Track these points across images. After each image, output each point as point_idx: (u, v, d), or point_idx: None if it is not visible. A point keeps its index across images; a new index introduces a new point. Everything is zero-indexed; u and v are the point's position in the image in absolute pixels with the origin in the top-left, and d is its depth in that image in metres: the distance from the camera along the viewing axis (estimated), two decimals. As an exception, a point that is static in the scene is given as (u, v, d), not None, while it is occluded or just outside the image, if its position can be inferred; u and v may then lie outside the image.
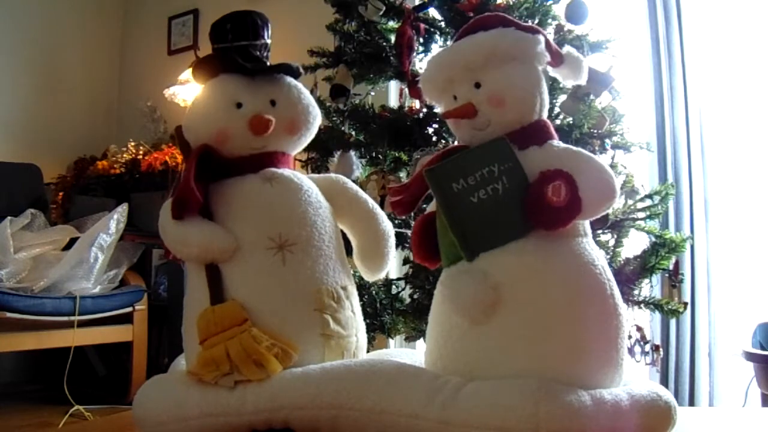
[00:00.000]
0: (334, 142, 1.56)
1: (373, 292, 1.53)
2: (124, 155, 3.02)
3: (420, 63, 1.66)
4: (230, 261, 0.87)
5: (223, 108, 0.93)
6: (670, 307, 1.42)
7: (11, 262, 2.28)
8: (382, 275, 1.02)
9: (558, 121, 1.48)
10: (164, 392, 0.84)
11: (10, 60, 3.21)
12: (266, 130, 0.91)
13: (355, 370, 0.82)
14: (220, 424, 0.80)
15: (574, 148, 0.83)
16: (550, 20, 1.54)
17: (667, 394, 0.80)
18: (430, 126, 1.58)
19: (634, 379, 0.81)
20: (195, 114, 0.95)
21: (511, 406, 0.69)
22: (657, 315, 1.71)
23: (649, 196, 1.51)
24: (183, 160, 0.95)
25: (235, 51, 0.95)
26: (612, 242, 1.48)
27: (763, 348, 1.77)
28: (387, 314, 1.51)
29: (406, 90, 1.66)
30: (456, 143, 0.94)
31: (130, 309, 2.52)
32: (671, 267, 1.47)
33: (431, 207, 0.88)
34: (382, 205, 1.16)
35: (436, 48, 1.66)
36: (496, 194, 0.79)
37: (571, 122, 1.44)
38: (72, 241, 2.47)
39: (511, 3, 1.52)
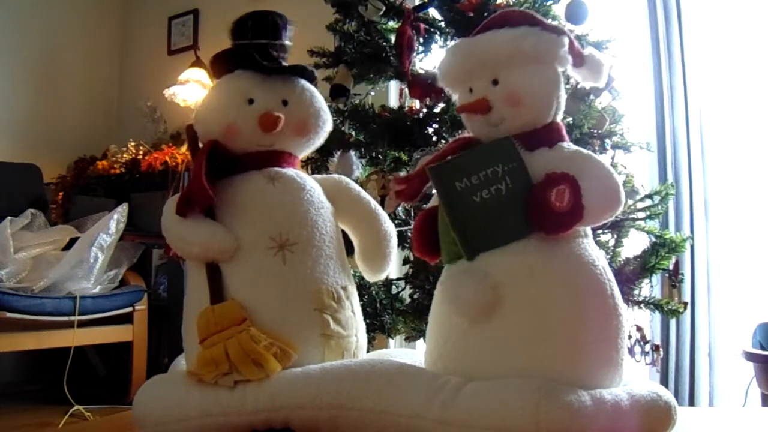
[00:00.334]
0: (334, 142, 1.56)
1: (373, 292, 1.53)
2: (124, 155, 3.02)
3: (420, 63, 1.66)
4: (231, 260, 0.87)
5: (235, 103, 0.93)
6: (670, 307, 1.42)
7: (11, 262, 2.28)
8: (384, 276, 1.02)
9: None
10: (164, 392, 0.84)
11: (10, 60, 3.21)
12: (275, 127, 0.92)
13: (355, 370, 0.82)
14: (220, 424, 0.80)
15: (585, 151, 0.82)
16: (549, 20, 1.54)
17: (667, 394, 0.80)
18: (430, 126, 1.58)
19: (634, 379, 0.81)
20: (207, 107, 0.96)
21: (511, 406, 0.69)
22: (657, 315, 1.71)
23: (649, 196, 1.51)
24: (191, 159, 0.95)
25: (253, 49, 0.95)
26: (612, 242, 1.48)
27: (763, 348, 1.77)
28: (387, 314, 1.51)
29: (406, 90, 1.66)
30: (459, 136, 0.93)
31: (130, 309, 2.52)
32: (671, 267, 1.47)
33: (434, 202, 0.88)
34: (382, 205, 1.16)
35: (436, 48, 1.66)
36: (499, 194, 0.78)
37: (571, 122, 1.44)
38: (72, 241, 2.47)
39: (511, 3, 1.52)
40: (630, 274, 1.41)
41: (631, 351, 1.43)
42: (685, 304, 1.47)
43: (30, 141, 3.21)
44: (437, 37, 1.64)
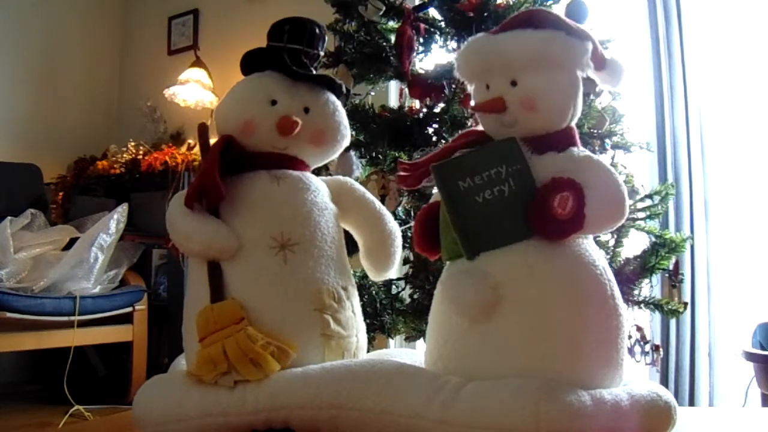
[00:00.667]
0: (334, 142, 1.56)
1: (373, 292, 1.53)
2: (124, 155, 3.02)
3: (420, 63, 1.66)
4: (232, 259, 0.88)
5: (258, 101, 0.94)
6: (670, 307, 1.42)
7: (11, 262, 2.28)
8: (388, 275, 1.02)
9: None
10: (164, 392, 0.84)
11: (10, 60, 3.21)
12: (291, 132, 0.92)
13: (355, 370, 0.82)
14: (220, 424, 0.80)
15: (595, 157, 0.81)
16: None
17: (667, 394, 0.80)
18: (430, 126, 1.58)
19: (634, 379, 0.81)
20: (230, 100, 0.97)
21: (511, 406, 0.69)
22: (657, 315, 1.71)
23: (649, 196, 1.51)
24: (201, 156, 0.95)
25: (287, 52, 0.95)
26: (612, 242, 1.48)
27: (763, 348, 1.77)
28: (387, 314, 1.51)
29: (406, 90, 1.66)
30: (470, 129, 0.92)
31: (130, 309, 2.52)
32: (671, 267, 1.47)
33: (435, 198, 0.88)
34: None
35: (436, 48, 1.66)
36: (502, 196, 0.78)
37: (571, 122, 1.44)
38: (72, 241, 2.47)
39: (511, 3, 1.52)
40: (630, 274, 1.41)
41: (631, 351, 1.43)
42: (685, 304, 1.47)
43: (30, 141, 3.21)
44: (437, 37, 1.64)
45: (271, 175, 0.93)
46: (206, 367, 0.81)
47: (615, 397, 0.73)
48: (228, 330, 0.83)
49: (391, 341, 1.86)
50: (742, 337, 1.90)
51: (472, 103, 0.88)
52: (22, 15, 3.27)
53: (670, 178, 2.06)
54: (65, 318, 2.27)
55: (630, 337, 1.43)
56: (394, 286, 1.59)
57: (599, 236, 1.46)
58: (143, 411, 0.84)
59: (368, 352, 1.01)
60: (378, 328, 1.50)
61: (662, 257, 1.41)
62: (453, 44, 1.61)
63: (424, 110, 1.60)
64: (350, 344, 0.91)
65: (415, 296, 1.55)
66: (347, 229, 1.01)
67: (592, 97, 1.44)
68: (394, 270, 1.03)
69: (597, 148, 1.48)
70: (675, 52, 2.12)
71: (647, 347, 1.46)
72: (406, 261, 1.60)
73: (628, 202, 0.78)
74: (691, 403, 1.98)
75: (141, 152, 3.00)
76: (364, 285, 1.44)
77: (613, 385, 0.77)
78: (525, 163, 0.79)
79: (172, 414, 0.81)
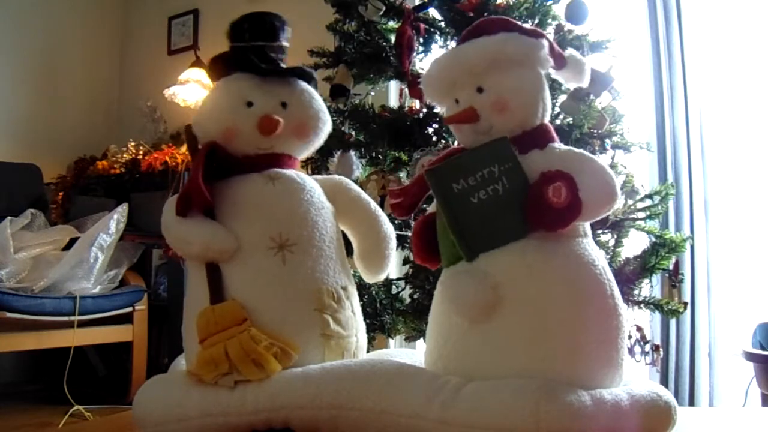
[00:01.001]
0: (334, 142, 1.56)
1: (373, 292, 1.53)
2: (124, 155, 3.02)
3: (420, 63, 1.66)
4: (231, 260, 0.87)
5: (234, 106, 0.93)
6: (670, 307, 1.42)
7: (11, 262, 2.28)
8: (382, 277, 1.02)
9: (558, 121, 1.48)
10: (164, 392, 0.84)
11: (10, 60, 3.21)
12: (274, 131, 0.91)
13: (355, 370, 0.82)
14: (220, 424, 0.80)
15: (576, 149, 0.83)
16: (550, 20, 1.54)
17: (667, 394, 0.80)
18: (430, 126, 1.58)
19: (634, 379, 0.81)
20: (206, 110, 0.96)
21: (511, 406, 0.69)
22: (657, 315, 1.71)
23: (649, 196, 1.51)
24: (190, 158, 0.95)
25: (251, 51, 0.95)
26: (612, 242, 1.48)
27: (763, 348, 1.77)
28: (387, 314, 1.51)
29: (406, 90, 1.66)
30: (456, 144, 0.94)
31: (130, 309, 2.52)
32: (671, 267, 1.47)
33: (432, 208, 0.88)
34: (382, 206, 1.16)
35: (436, 48, 1.66)
36: (497, 195, 0.79)
37: (571, 122, 1.44)
38: (72, 241, 2.47)
39: (511, 3, 1.52)
40: (630, 274, 1.41)
41: (631, 351, 1.43)
42: (685, 304, 1.47)
43: (30, 141, 3.21)
44: (437, 37, 1.64)
45: (264, 176, 0.93)
46: (207, 368, 0.81)
47: (615, 397, 0.73)
48: (230, 331, 0.83)
49: (391, 341, 1.86)
50: (742, 337, 1.90)
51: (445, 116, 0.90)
52: (22, 15, 3.27)
53: (670, 178, 2.06)
54: (65, 318, 2.27)
55: (630, 337, 1.43)
56: (394, 286, 1.59)
57: (599, 236, 1.46)
58: (143, 411, 0.84)
59: (368, 352, 1.01)
60: (378, 328, 1.50)
61: (662, 257, 1.41)
62: (453, 44, 1.61)
63: (424, 110, 1.60)
64: (350, 344, 0.91)
65: (415, 296, 1.55)
66: (342, 229, 1.01)
67: (592, 96, 1.44)
68: (387, 272, 1.03)
69: (597, 148, 1.48)
70: (675, 52, 2.12)
71: (647, 347, 1.45)
72: (406, 261, 1.60)
73: (618, 182, 0.79)
74: (691, 403, 1.98)
75: (141, 152, 3.00)
76: (364, 285, 1.44)
77: (613, 385, 0.77)
78: (516, 161, 0.80)
79: (172, 414, 0.81)
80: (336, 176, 1.05)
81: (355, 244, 1.02)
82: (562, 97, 1.46)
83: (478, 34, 0.86)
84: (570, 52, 0.89)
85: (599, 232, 1.45)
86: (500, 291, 0.76)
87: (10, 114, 3.19)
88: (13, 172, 2.76)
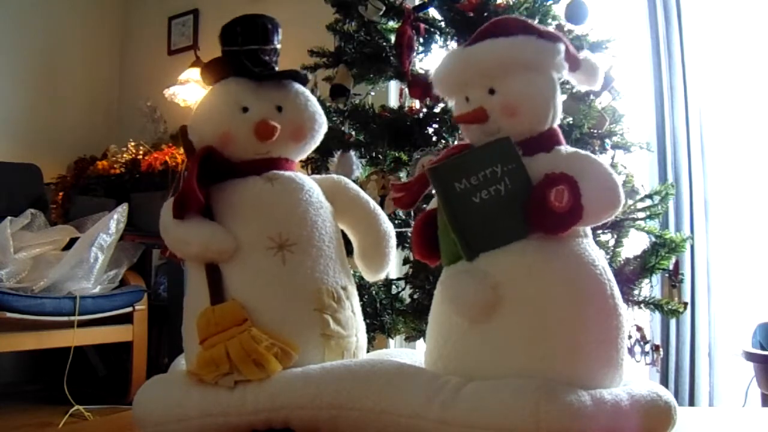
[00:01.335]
0: (334, 142, 1.56)
1: (373, 292, 1.53)
2: (124, 155, 3.02)
3: (420, 63, 1.66)
4: (230, 261, 0.87)
5: (229, 111, 0.92)
6: (670, 307, 1.42)
7: (11, 262, 2.28)
8: (382, 276, 1.02)
9: (558, 121, 1.47)
10: (164, 392, 0.84)
11: (10, 60, 3.21)
12: (271, 137, 0.91)
13: (355, 370, 0.82)
14: (220, 424, 0.80)
15: (582, 152, 0.83)
16: (550, 20, 1.54)
17: (667, 394, 0.80)
18: (430, 126, 1.58)
19: (634, 379, 0.81)
20: (200, 115, 0.95)
21: (511, 406, 0.69)
22: (657, 315, 1.71)
23: (649, 196, 1.51)
24: (186, 160, 0.95)
25: (244, 55, 0.94)
26: (612, 242, 1.48)
27: (763, 348, 1.77)
28: (387, 314, 1.51)
29: (406, 90, 1.66)
30: (457, 142, 0.93)
31: (130, 309, 2.52)
32: (671, 267, 1.47)
33: (432, 204, 0.88)
34: (382, 205, 1.16)
35: (436, 48, 1.66)
36: (498, 195, 0.78)
37: (571, 122, 1.44)
38: (72, 241, 2.47)
39: (511, 3, 1.52)
40: (630, 274, 1.41)
41: (631, 351, 1.43)
42: (685, 304, 1.47)
43: (30, 141, 3.21)
44: (437, 37, 1.64)
45: (263, 177, 0.93)
46: (208, 368, 0.81)
47: (615, 397, 0.73)
48: (231, 331, 0.83)
49: (391, 341, 1.86)
50: (742, 337, 1.90)
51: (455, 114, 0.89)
52: (22, 15, 3.27)
53: (670, 178, 2.06)
54: (65, 318, 2.26)
55: (630, 337, 1.43)
56: (394, 286, 1.59)
57: (599, 236, 1.46)
58: (143, 411, 0.84)
59: (368, 352, 1.01)
60: (378, 328, 1.50)
61: (662, 257, 1.41)
62: (453, 44, 1.61)
63: (424, 110, 1.60)
64: (350, 344, 0.91)
65: (415, 296, 1.55)
66: (342, 228, 1.01)
67: (592, 97, 1.44)
68: (388, 270, 1.03)
69: (597, 148, 1.49)
70: (675, 52, 2.12)
71: (647, 347, 1.46)
72: (406, 261, 1.60)
73: (622, 189, 0.79)
74: (691, 403, 1.98)
75: (141, 152, 3.00)
76: (364, 285, 1.44)
77: (613, 385, 0.77)
78: (519, 162, 0.80)
79: (172, 414, 0.81)
80: (334, 176, 1.05)
81: (354, 243, 1.02)
82: (563, 97, 1.46)
83: (496, 33, 0.84)
84: (585, 54, 0.87)
85: (599, 232, 1.45)
86: (500, 291, 0.75)
87: (10, 114, 3.19)
88: (13, 172, 2.76)
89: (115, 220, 2.50)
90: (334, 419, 0.79)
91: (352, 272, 0.99)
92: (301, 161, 1.61)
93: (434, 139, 1.57)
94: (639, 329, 1.46)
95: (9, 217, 2.40)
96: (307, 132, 0.97)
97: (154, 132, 3.24)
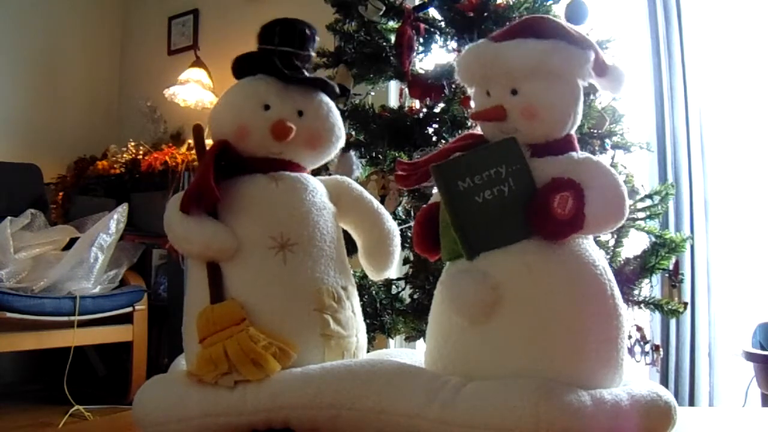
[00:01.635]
0: (334, 142, 1.56)
1: (373, 292, 1.53)
2: (124, 155, 3.02)
3: (420, 63, 1.66)
4: (232, 260, 0.88)
5: (250, 106, 0.93)
6: (670, 307, 1.42)
7: (11, 262, 2.28)
8: (387, 274, 1.02)
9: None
10: (164, 392, 0.84)
11: (10, 60, 3.21)
12: (286, 137, 0.91)
13: (355, 370, 0.82)
14: (220, 424, 0.80)
15: (595, 158, 0.82)
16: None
17: (667, 394, 0.80)
18: (430, 126, 1.58)
19: (634, 379, 0.81)
20: (223, 105, 0.96)
21: (511, 406, 0.69)
22: (657, 315, 1.71)
23: (649, 196, 1.51)
24: (198, 158, 0.95)
25: (278, 55, 0.95)
26: (612, 242, 1.48)
27: (763, 348, 1.77)
28: (387, 314, 1.51)
29: (406, 90, 1.66)
30: (469, 132, 0.92)
31: (130, 309, 2.52)
32: (671, 267, 1.47)
33: (434, 198, 0.88)
34: (382, 205, 1.16)
35: (436, 48, 1.66)
36: (502, 196, 0.78)
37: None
38: (72, 241, 2.47)
39: (512, 3, 1.52)
40: (630, 274, 1.41)
41: (631, 351, 1.43)
42: (685, 304, 1.47)
43: (30, 141, 3.21)
44: (437, 37, 1.64)
45: (268, 176, 0.93)
46: (207, 368, 0.81)
47: (615, 397, 0.73)
48: (229, 331, 0.83)
49: (391, 341, 1.86)
50: (742, 337, 1.90)
51: (472, 105, 0.88)
52: (22, 15, 3.27)
53: (670, 178, 2.06)
54: (65, 318, 2.27)
55: (630, 337, 1.43)
56: (394, 286, 1.59)
57: (599, 236, 1.46)
58: (143, 411, 0.84)
59: (368, 352, 1.01)
60: (378, 328, 1.50)
61: (662, 257, 1.41)
62: (453, 44, 1.61)
63: (424, 110, 1.60)
64: (350, 344, 0.91)
65: (415, 296, 1.54)
66: (346, 228, 1.01)
67: (592, 96, 1.44)
68: (394, 269, 1.03)
69: (597, 148, 1.48)
70: (675, 52, 2.12)
71: (647, 347, 1.45)
72: (406, 261, 1.60)
73: (628, 202, 0.78)
74: (691, 403, 1.98)
75: (141, 152, 3.00)
76: (364, 285, 1.44)
77: (613, 385, 0.77)
78: (524, 163, 0.79)
79: (172, 414, 0.81)
80: (338, 176, 1.05)
81: (359, 242, 1.02)
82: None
83: (528, 34, 0.83)
84: (614, 61, 0.86)
85: (599, 232, 1.45)
86: (500, 291, 0.75)
87: (10, 114, 3.19)
88: (13, 172, 2.76)
89: (115, 220, 2.50)
90: (334, 419, 0.79)
91: (352, 272, 0.99)
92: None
93: (434, 139, 1.57)
94: (639, 329, 1.46)
95: (9, 217, 2.41)
96: (323, 142, 0.97)
97: (154, 132, 3.25)
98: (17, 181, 2.75)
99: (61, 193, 3.13)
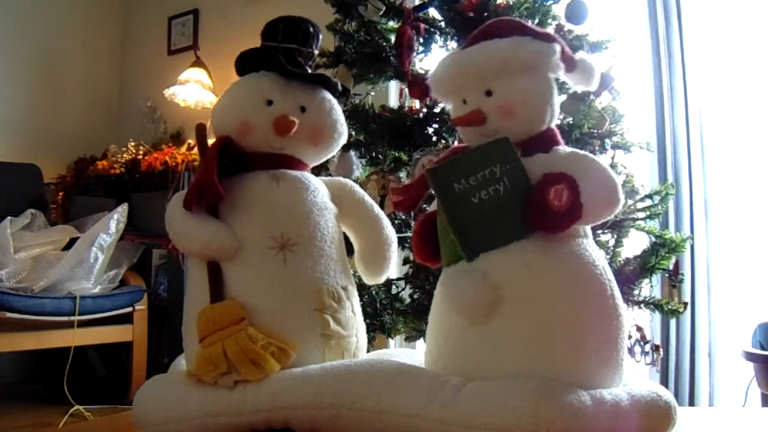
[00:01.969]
0: (334, 142, 1.56)
1: (373, 292, 1.53)
2: (124, 155, 3.02)
3: (420, 63, 1.66)
4: (232, 259, 0.88)
5: (254, 102, 0.94)
6: (670, 307, 1.42)
7: (11, 262, 2.28)
8: (382, 279, 1.02)
9: (558, 121, 1.47)
10: (164, 392, 0.84)
11: (10, 60, 3.21)
12: (288, 131, 0.92)
13: (355, 370, 0.82)
14: (220, 424, 0.80)
15: (580, 152, 0.83)
16: (550, 20, 1.54)
17: (667, 394, 0.80)
18: (430, 126, 1.58)
19: (634, 379, 0.81)
20: (226, 101, 0.97)
21: (511, 406, 0.69)
22: (657, 315, 1.71)
23: (649, 196, 1.51)
24: (200, 156, 0.96)
25: (281, 52, 0.96)
26: (612, 242, 1.48)
27: (763, 348, 1.77)
28: (387, 314, 1.51)
29: (406, 90, 1.66)
30: (456, 143, 0.93)
31: (130, 309, 2.52)
32: (671, 267, 1.47)
33: (433, 207, 0.88)
34: (382, 206, 1.16)
35: (436, 48, 1.66)
36: (498, 195, 0.78)
37: (571, 122, 1.44)
38: (72, 241, 2.47)
39: (511, 3, 1.52)
40: (630, 274, 1.41)
41: (631, 351, 1.43)
42: (685, 304, 1.47)
43: (30, 141, 3.21)
44: (437, 37, 1.64)
45: (270, 175, 0.93)
46: (206, 368, 0.81)
47: (615, 397, 0.73)
48: (228, 330, 0.83)
49: (391, 341, 1.86)
50: (742, 337, 1.90)
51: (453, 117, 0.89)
52: (22, 15, 3.27)
53: (670, 178, 2.06)
54: (65, 318, 2.27)
55: (630, 337, 1.43)
56: (394, 286, 1.59)
57: (599, 236, 1.46)
58: (143, 411, 0.84)
59: (368, 352, 1.01)
60: (378, 328, 1.50)
61: (662, 257, 1.41)
62: (453, 44, 1.61)
63: (424, 110, 1.60)
64: (350, 344, 0.91)
65: (415, 296, 1.55)
66: (345, 231, 1.01)
67: (592, 97, 1.44)
68: (387, 275, 1.03)
69: (597, 148, 1.49)
70: (675, 52, 2.12)
71: (647, 347, 1.46)
72: (406, 261, 1.60)
73: (622, 188, 0.79)
74: (691, 403, 1.98)
75: (141, 152, 3.00)
76: (364, 285, 1.44)
77: (613, 385, 0.77)
78: (518, 162, 0.80)
79: (172, 414, 0.81)
80: (341, 178, 1.06)
81: (356, 246, 1.02)
82: (562, 97, 1.46)
83: (491, 36, 0.85)
84: (581, 55, 0.87)
85: (599, 232, 1.45)
86: (500, 291, 0.75)
87: (10, 114, 3.19)
88: (13, 172, 2.76)
89: (115, 220, 2.50)
90: (334, 419, 0.79)
91: (352, 273, 0.99)
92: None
93: (434, 139, 1.57)
94: (639, 329, 1.46)
95: (9, 217, 2.40)
96: (325, 138, 0.98)
97: (154, 132, 3.25)
98: (17, 181, 2.75)
99: (61, 193, 3.13)
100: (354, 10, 1.64)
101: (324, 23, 1.69)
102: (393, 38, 1.60)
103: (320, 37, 1.02)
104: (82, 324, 2.33)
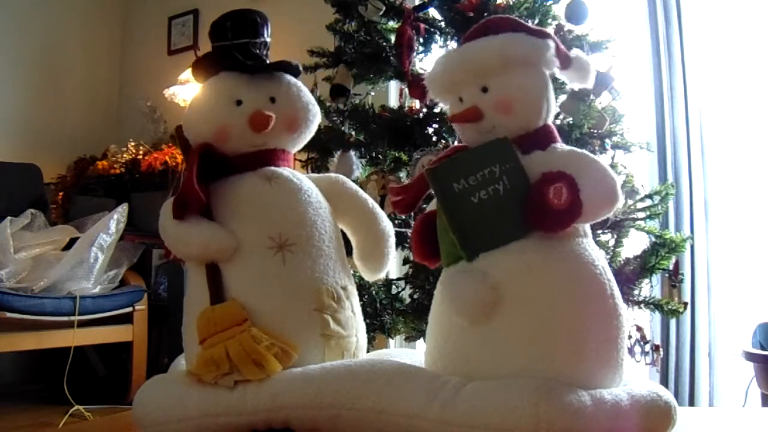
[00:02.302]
0: (334, 142, 1.56)
1: (373, 292, 1.53)
2: (124, 155, 3.02)
3: (420, 63, 1.66)
4: (230, 261, 0.87)
5: (223, 105, 0.93)
6: (670, 307, 1.42)
7: (11, 262, 2.28)
8: (381, 275, 1.02)
9: (558, 121, 1.47)
10: (164, 392, 0.84)
11: (10, 60, 3.21)
12: (266, 127, 0.91)
13: (355, 370, 0.82)
14: (220, 424, 0.80)
15: (578, 150, 0.83)
16: (550, 20, 1.54)
17: (667, 394, 0.80)
18: (430, 126, 1.58)
19: (634, 379, 0.81)
20: (195, 112, 0.95)
21: (511, 406, 0.69)
22: (657, 315, 1.71)
23: (649, 196, 1.51)
24: (183, 160, 0.95)
25: (235, 49, 0.95)
26: (612, 242, 1.48)
27: (763, 348, 1.77)
28: (387, 314, 1.51)
29: (406, 90, 1.66)
30: (456, 143, 0.93)
31: (130, 309, 2.52)
32: (671, 267, 1.47)
33: (432, 206, 0.88)
34: (382, 205, 1.16)
35: (436, 48, 1.66)
36: (497, 195, 0.78)
37: (571, 122, 1.44)
38: (72, 241, 2.47)
39: (511, 3, 1.52)
40: (630, 274, 1.41)
41: (631, 351, 1.43)
42: (685, 304, 1.47)
43: (30, 141, 3.21)
44: (437, 37, 1.64)
45: (260, 175, 0.93)
46: (208, 368, 0.81)
47: (615, 397, 0.73)
48: (230, 331, 0.83)
49: (391, 341, 1.86)
50: (742, 337, 1.90)
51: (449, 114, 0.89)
52: (22, 15, 3.27)
53: (670, 178, 2.06)
54: (65, 318, 2.27)
55: (630, 337, 1.43)
56: (394, 286, 1.59)
57: (599, 236, 1.46)
58: (143, 411, 0.84)
59: (368, 352, 1.01)
60: (378, 328, 1.50)
61: (662, 257, 1.41)
62: (453, 44, 1.61)
63: (424, 110, 1.60)
64: (350, 344, 0.91)
65: (415, 296, 1.55)
66: (341, 227, 1.01)
67: (592, 97, 1.44)
68: (387, 269, 1.02)
69: (597, 148, 1.48)
70: (675, 52, 2.12)
71: (647, 347, 1.45)
72: (406, 261, 1.60)
73: (621, 187, 0.79)
74: (691, 403, 1.98)
75: (141, 152, 3.00)
76: (364, 285, 1.44)
77: (613, 385, 0.77)
78: (517, 161, 0.80)
79: (172, 414, 0.81)
80: (332, 174, 1.05)
81: (353, 242, 1.02)
82: (562, 97, 1.46)
83: (485, 33, 0.86)
84: (576, 52, 0.88)
85: (599, 232, 1.45)
86: (500, 291, 0.76)
87: (10, 114, 3.19)
88: (13, 172, 2.76)
89: (115, 220, 2.50)
90: (334, 419, 0.79)
91: (352, 272, 0.99)
92: (301, 161, 1.62)
93: (434, 139, 1.57)
94: (639, 329, 1.46)
95: (9, 217, 2.40)
96: (301, 122, 0.97)
97: (154, 132, 3.24)
98: (17, 181, 2.74)
99: (61, 193, 3.13)
100: (354, 10, 1.64)
101: (324, 23, 1.69)
102: (393, 38, 1.60)
103: (269, 23, 1.00)
104: (82, 324, 2.33)
